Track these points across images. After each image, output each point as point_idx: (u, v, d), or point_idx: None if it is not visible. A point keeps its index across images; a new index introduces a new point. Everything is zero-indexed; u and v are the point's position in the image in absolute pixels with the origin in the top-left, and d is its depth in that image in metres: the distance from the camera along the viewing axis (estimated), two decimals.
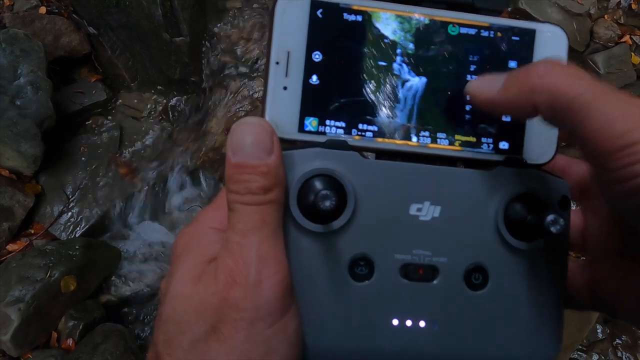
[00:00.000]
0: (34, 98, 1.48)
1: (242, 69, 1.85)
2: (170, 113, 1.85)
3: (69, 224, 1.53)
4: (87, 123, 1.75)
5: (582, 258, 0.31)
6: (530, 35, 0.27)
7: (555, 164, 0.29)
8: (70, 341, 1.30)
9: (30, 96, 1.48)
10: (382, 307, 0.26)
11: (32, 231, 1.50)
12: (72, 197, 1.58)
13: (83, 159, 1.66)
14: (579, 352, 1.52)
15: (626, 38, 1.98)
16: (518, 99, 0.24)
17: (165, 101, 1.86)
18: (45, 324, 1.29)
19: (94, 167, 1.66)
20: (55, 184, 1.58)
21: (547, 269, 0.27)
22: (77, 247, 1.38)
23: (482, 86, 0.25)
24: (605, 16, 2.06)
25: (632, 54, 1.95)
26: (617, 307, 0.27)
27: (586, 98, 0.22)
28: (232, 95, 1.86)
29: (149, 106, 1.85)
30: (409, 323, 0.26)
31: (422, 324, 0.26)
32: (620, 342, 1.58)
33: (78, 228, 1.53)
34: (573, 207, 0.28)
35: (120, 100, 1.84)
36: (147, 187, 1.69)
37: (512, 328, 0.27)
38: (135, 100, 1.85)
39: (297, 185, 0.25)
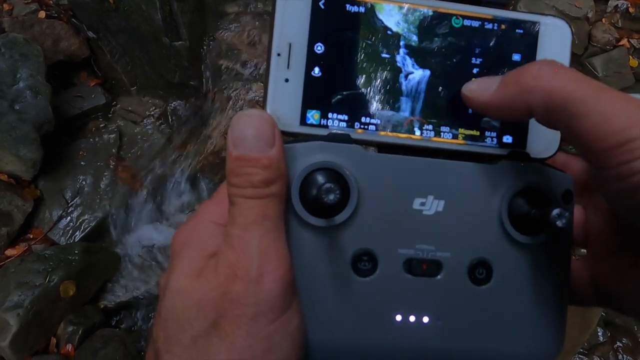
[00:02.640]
0: (33, 102, 1.48)
1: (241, 73, 1.85)
2: (169, 117, 1.85)
3: (68, 228, 1.53)
4: (86, 127, 1.75)
5: (582, 251, 0.30)
6: (534, 28, 0.27)
7: (555, 160, 0.29)
8: (69, 347, 1.29)
9: (30, 100, 1.48)
10: (385, 303, 0.26)
11: (31, 236, 1.49)
12: (71, 201, 1.57)
13: (82, 163, 1.66)
14: (580, 356, 1.52)
15: (624, 41, 1.99)
16: (512, 101, 0.23)
17: (164, 105, 1.86)
18: (45, 329, 1.28)
19: (93, 171, 1.65)
20: (54, 188, 1.58)
21: (551, 263, 0.27)
22: (76, 251, 1.38)
23: (477, 89, 0.25)
24: (603, 20, 2.07)
25: (630, 57, 1.96)
26: (621, 301, 0.27)
27: (581, 96, 0.21)
28: (231, 98, 1.86)
29: (148, 110, 1.85)
30: (412, 318, 0.26)
31: (425, 319, 0.26)
32: (621, 345, 1.57)
33: (77, 233, 1.52)
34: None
35: (119, 105, 1.84)
36: (146, 191, 1.69)
37: (516, 323, 0.26)
38: (135, 104, 1.85)
39: (299, 179, 0.24)
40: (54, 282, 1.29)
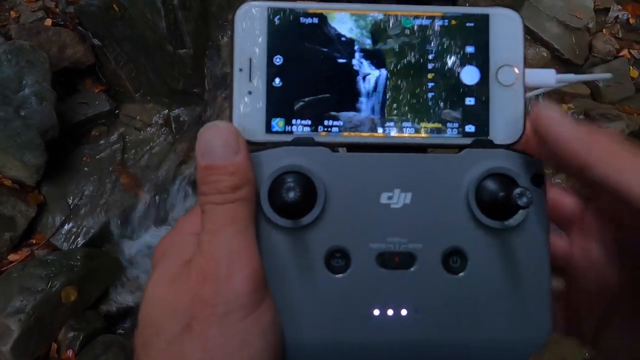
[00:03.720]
0: (38, 108, 1.49)
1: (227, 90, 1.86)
2: (173, 123, 1.86)
3: (70, 234, 1.53)
4: (90, 133, 1.76)
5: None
6: (484, 20, 0.28)
7: (549, 198, 0.28)
8: (70, 352, 1.29)
9: (35, 107, 1.49)
10: (361, 298, 0.26)
11: (34, 241, 1.50)
12: (74, 207, 1.58)
13: (86, 169, 1.67)
14: None
15: (624, 52, 2.00)
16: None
17: (168, 112, 1.87)
18: (46, 335, 1.28)
19: (96, 177, 1.66)
20: (58, 193, 1.59)
21: (527, 248, 0.26)
22: (78, 257, 1.38)
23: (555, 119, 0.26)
24: (604, 30, 2.09)
25: (631, 67, 1.97)
26: (597, 339, 0.27)
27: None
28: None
29: (152, 117, 1.86)
30: (390, 312, 0.26)
31: (403, 312, 0.26)
32: None
33: (80, 238, 1.53)
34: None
35: (123, 111, 1.85)
36: (149, 197, 1.69)
37: (496, 309, 0.26)
38: (139, 111, 1.86)
39: (267, 183, 0.25)
40: (55, 288, 1.29)
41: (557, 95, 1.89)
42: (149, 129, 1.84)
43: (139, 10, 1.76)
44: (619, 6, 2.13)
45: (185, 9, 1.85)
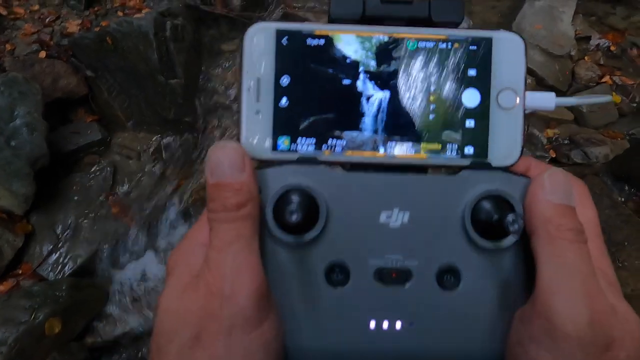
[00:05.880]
0: (28, 139, 1.51)
1: (235, 109, 1.89)
2: (163, 152, 1.88)
3: (57, 264, 1.52)
4: (81, 162, 1.77)
5: None
6: (487, 43, 0.28)
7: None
8: None
9: (25, 137, 1.51)
10: (359, 311, 0.27)
11: (20, 271, 1.48)
12: (62, 236, 1.57)
13: (76, 198, 1.67)
14: None
15: (606, 78, 2.05)
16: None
17: (159, 141, 1.89)
18: None
19: (86, 206, 1.66)
20: (47, 223, 1.58)
21: (518, 268, 0.27)
22: (63, 287, 1.37)
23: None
24: (586, 57, 2.15)
25: (613, 93, 2.02)
26: None
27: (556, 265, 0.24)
28: (225, 134, 1.90)
29: (143, 146, 1.88)
30: (385, 325, 0.27)
31: (398, 325, 0.27)
32: None
33: (66, 268, 1.52)
34: None
35: (115, 140, 1.87)
36: (138, 226, 1.69)
37: (487, 325, 0.27)
38: (130, 140, 1.88)
39: (272, 201, 0.26)
40: (39, 319, 1.27)
41: (542, 120, 1.92)
42: (140, 157, 1.85)
43: (132, 42, 1.81)
44: (599, 35, 2.20)
45: (177, 41, 1.90)
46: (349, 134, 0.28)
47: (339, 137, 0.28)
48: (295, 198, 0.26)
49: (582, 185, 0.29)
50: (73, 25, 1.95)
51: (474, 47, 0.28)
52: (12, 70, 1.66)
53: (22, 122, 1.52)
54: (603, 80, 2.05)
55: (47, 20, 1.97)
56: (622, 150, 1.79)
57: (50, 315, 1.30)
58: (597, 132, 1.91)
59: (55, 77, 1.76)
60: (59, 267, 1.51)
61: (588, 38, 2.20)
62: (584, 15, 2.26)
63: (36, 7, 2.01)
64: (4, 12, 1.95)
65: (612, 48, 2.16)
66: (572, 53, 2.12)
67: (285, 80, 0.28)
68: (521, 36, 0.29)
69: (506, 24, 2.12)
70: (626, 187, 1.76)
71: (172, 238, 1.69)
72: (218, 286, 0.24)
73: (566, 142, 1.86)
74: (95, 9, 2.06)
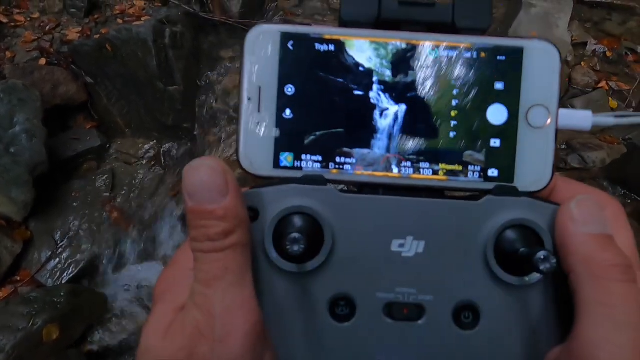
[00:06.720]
0: (27, 145, 1.52)
1: (234, 115, 1.90)
2: (162, 158, 1.88)
3: (56, 270, 1.52)
4: (80, 168, 1.78)
5: None
6: (517, 54, 0.25)
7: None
8: None
9: (25, 144, 1.52)
10: (365, 349, 0.24)
11: (19, 278, 1.48)
12: (60, 242, 1.57)
13: (75, 204, 1.68)
14: None
15: (603, 84, 2.06)
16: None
17: (158, 147, 1.90)
18: None
19: (85, 212, 1.67)
20: (45, 229, 1.59)
21: (547, 307, 0.24)
22: (62, 294, 1.37)
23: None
24: (582, 63, 2.16)
25: (610, 98, 2.03)
26: None
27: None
28: (223, 140, 1.91)
29: (142, 152, 1.89)
30: None
31: None
32: None
33: (65, 274, 1.52)
34: None
35: (114, 147, 1.88)
36: (137, 232, 1.69)
37: None
38: (129, 146, 1.89)
39: (272, 225, 0.24)
40: (37, 326, 1.27)
41: None
42: (139, 163, 1.86)
43: (131, 49, 1.82)
44: (595, 40, 2.22)
45: (177, 48, 1.91)
46: (359, 152, 0.25)
47: (348, 155, 0.25)
48: (297, 222, 0.24)
49: (616, 205, 0.25)
50: (73, 33, 1.96)
51: (503, 58, 0.25)
52: (12, 78, 1.68)
53: (22, 129, 1.53)
54: (599, 85, 2.06)
55: (47, 27, 1.98)
56: (619, 155, 1.80)
57: (49, 321, 1.29)
58: (594, 137, 1.92)
59: (55, 84, 1.77)
60: (58, 274, 1.51)
61: (584, 44, 2.22)
62: (580, 21, 2.28)
63: (36, 15, 2.03)
64: (5, 20, 1.97)
65: (609, 54, 2.18)
66: (569, 59, 2.14)
67: (289, 90, 0.25)
68: (556, 46, 0.25)
69: (503, 30, 2.14)
70: (623, 192, 1.77)
71: (171, 244, 1.69)
72: (208, 327, 0.21)
73: (563, 147, 1.88)
74: (95, 16, 2.08)
